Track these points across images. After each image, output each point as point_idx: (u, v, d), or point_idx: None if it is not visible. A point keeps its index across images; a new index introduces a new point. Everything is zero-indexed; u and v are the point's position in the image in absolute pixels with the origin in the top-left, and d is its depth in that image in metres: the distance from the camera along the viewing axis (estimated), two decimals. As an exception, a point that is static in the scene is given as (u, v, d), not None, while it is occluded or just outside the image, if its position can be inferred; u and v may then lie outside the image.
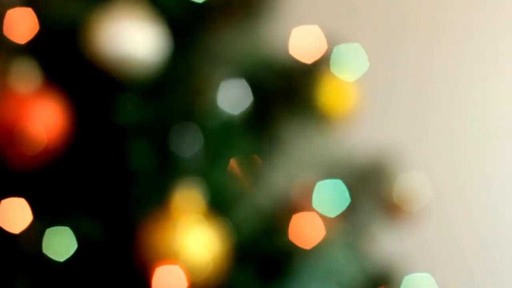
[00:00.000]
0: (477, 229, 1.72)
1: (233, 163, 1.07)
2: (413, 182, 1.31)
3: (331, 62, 1.16)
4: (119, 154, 1.02)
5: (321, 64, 1.16)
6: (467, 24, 1.71)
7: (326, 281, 1.09)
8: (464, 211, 1.72)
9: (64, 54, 1.05)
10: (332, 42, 1.19)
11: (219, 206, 1.07)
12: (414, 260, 1.34)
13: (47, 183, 1.04)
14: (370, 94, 1.33)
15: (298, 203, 1.19)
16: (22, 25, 1.03)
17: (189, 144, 1.03)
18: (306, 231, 1.07)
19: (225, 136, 1.05)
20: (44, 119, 0.98)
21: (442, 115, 1.73)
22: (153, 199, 1.03)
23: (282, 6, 1.17)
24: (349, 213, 1.26)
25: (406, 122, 1.72)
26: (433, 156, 1.71)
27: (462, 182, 1.72)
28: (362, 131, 1.47)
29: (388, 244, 1.31)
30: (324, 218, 1.13)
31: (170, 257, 0.98)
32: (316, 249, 1.07)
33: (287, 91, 1.16)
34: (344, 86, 1.22)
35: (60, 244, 0.98)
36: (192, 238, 0.99)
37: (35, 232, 0.98)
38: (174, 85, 1.05)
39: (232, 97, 1.07)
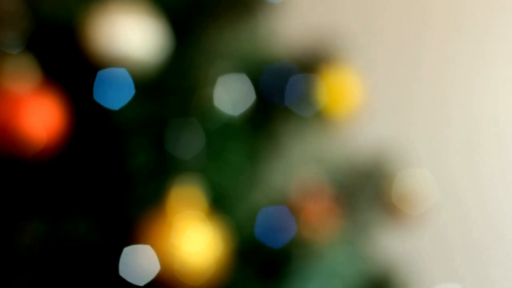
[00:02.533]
0: (482, 228, 1.73)
1: (233, 163, 1.07)
2: (417, 180, 1.31)
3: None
4: (117, 153, 1.02)
5: (322, 62, 1.16)
6: (484, 20, 1.72)
7: (327, 281, 1.09)
8: (469, 210, 1.73)
9: (62, 51, 1.04)
10: (336, 40, 1.19)
11: (218, 205, 1.06)
12: (416, 260, 1.34)
13: (44, 182, 1.04)
14: (372, 92, 1.34)
15: (299, 203, 1.19)
16: (18, 21, 1.03)
17: (189, 143, 1.02)
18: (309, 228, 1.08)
19: (225, 135, 1.05)
20: (42, 118, 0.98)
21: (447, 113, 1.73)
22: (153, 198, 1.03)
23: (284, 3, 1.17)
24: (350, 213, 1.26)
25: (410, 120, 1.72)
26: (437, 154, 1.72)
27: (466, 181, 1.73)
28: (364, 130, 1.47)
29: (390, 244, 1.32)
30: (324, 217, 1.13)
31: (169, 257, 0.98)
32: (317, 248, 1.07)
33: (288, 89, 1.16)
34: (346, 85, 1.22)
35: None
36: (191, 238, 0.99)
37: (32, 232, 0.98)
38: (174, 84, 1.05)
39: (233, 96, 1.07)
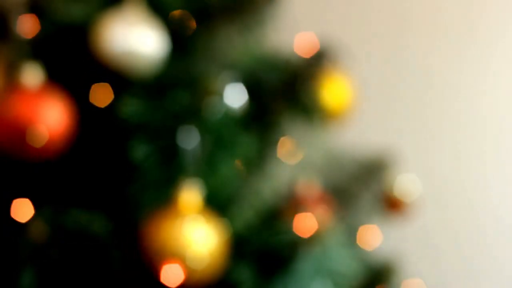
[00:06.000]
0: (474, 227, 1.74)
1: (236, 160, 1.07)
2: (406, 181, 1.32)
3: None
4: (122, 150, 1.02)
5: (321, 63, 1.18)
6: (466, 26, 1.73)
7: (325, 277, 1.09)
8: (462, 209, 1.74)
9: (69, 53, 1.06)
10: (332, 44, 1.21)
11: (220, 202, 1.07)
12: (412, 258, 1.35)
13: (53, 177, 1.04)
14: (369, 94, 1.35)
15: (299, 200, 1.20)
16: (28, 25, 1.05)
17: (191, 141, 1.02)
18: (305, 226, 1.07)
19: (227, 133, 1.05)
20: (50, 115, 0.98)
21: (441, 115, 1.75)
22: (155, 194, 1.03)
23: (282, 8, 1.18)
24: (346, 211, 1.27)
25: (406, 120, 1.73)
26: (432, 154, 1.73)
27: (460, 181, 1.74)
28: (362, 129, 1.48)
29: (386, 242, 1.32)
30: (321, 216, 1.14)
31: (171, 252, 0.98)
32: (315, 246, 1.06)
33: (288, 89, 1.17)
34: (344, 86, 1.24)
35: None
36: (193, 234, 1.00)
37: (40, 225, 0.99)
38: (177, 83, 1.05)
39: (234, 95, 1.07)
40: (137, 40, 1.02)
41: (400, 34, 1.73)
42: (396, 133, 1.71)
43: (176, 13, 1.12)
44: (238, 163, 1.08)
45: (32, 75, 1.00)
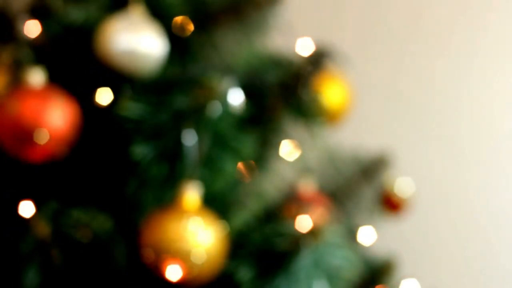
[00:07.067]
0: (472, 226, 1.75)
1: (236, 160, 1.07)
2: (403, 182, 1.33)
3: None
4: (124, 149, 1.03)
5: (320, 64, 1.18)
6: (461, 29, 1.74)
7: (325, 276, 1.08)
8: (459, 209, 1.75)
9: (72, 55, 1.07)
10: (330, 46, 1.21)
11: (220, 201, 1.08)
12: (410, 257, 1.36)
13: (56, 176, 1.05)
14: (366, 95, 1.35)
15: (299, 199, 1.21)
16: (32, 27, 1.06)
17: (192, 140, 1.02)
18: (305, 225, 1.07)
19: (227, 133, 1.05)
20: (53, 116, 0.99)
21: (438, 116, 1.76)
22: (156, 194, 1.04)
23: (282, 11, 1.19)
24: (343, 212, 1.28)
25: (403, 121, 1.74)
26: (431, 155, 1.74)
27: (457, 181, 1.75)
28: (360, 130, 1.49)
29: (385, 241, 1.33)
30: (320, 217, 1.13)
31: (172, 251, 0.99)
32: (315, 245, 1.06)
33: (288, 90, 1.17)
34: (343, 87, 1.24)
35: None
36: (194, 232, 1.00)
37: (43, 223, 0.99)
38: (178, 84, 1.05)
39: (234, 95, 1.06)
40: (139, 41, 1.03)
41: (397, 36, 1.73)
42: (393, 134, 1.72)
43: (177, 15, 1.12)
44: (238, 162, 1.08)
45: (36, 76, 1.01)
